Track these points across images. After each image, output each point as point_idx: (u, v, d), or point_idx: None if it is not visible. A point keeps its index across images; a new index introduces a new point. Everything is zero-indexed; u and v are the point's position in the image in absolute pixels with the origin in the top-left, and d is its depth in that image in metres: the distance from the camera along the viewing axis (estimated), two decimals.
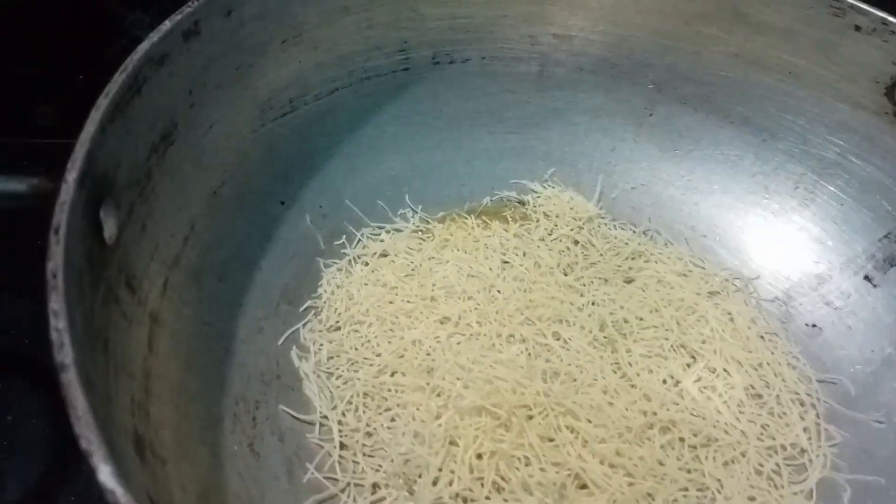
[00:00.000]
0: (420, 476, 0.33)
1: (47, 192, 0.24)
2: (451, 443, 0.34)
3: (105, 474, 0.18)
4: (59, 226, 0.23)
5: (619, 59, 0.49)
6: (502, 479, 0.33)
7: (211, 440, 0.32)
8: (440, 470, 0.33)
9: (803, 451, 0.37)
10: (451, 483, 0.32)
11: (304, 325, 0.40)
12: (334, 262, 0.43)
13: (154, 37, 0.30)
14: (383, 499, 0.33)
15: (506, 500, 0.32)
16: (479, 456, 0.34)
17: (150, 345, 0.31)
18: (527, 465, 0.33)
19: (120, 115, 0.29)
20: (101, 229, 0.27)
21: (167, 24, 0.31)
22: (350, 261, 0.43)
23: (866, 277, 0.43)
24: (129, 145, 0.30)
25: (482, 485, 0.33)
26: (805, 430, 0.38)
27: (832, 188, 0.45)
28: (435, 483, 0.32)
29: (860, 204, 0.44)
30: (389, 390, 0.37)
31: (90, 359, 0.23)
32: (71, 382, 0.19)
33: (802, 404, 0.39)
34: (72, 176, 0.24)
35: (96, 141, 0.26)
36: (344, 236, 0.44)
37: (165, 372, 0.31)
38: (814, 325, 0.43)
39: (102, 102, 0.27)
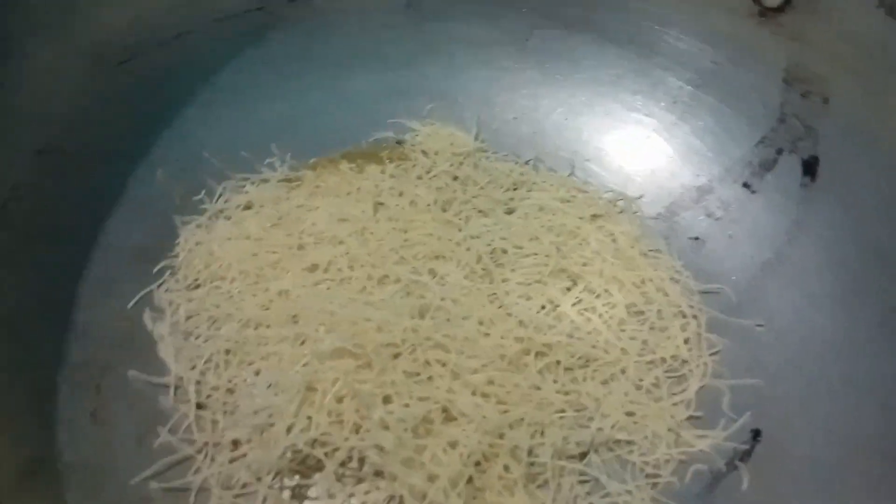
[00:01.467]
0: (274, 425, 0.31)
1: None
2: (311, 389, 0.32)
3: None
4: None
5: None
6: (363, 419, 0.31)
7: (41, 410, 0.30)
8: (295, 417, 0.31)
9: (684, 362, 0.37)
10: (307, 429, 0.31)
11: (159, 285, 0.37)
12: (193, 219, 0.40)
13: None
14: (243, 454, 0.32)
15: (362, 440, 0.30)
16: (340, 399, 0.32)
17: None
18: (388, 402, 0.32)
19: None
20: None
21: None
22: (211, 216, 0.40)
23: (745, 185, 0.42)
24: None
25: (342, 428, 0.31)
26: (686, 341, 0.37)
27: (710, 98, 0.44)
28: (289, 430, 0.31)
29: (736, 111, 0.43)
30: (253, 344, 0.35)
31: None
32: None
33: (684, 316, 0.38)
34: None
35: None
36: (203, 191, 0.41)
37: None
38: (696, 238, 0.42)
39: None
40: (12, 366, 0.30)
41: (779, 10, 0.40)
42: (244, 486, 0.31)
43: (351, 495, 0.31)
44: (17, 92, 0.34)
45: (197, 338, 0.36)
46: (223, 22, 0.43)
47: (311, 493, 0.31)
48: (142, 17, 0.40)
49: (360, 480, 0.31)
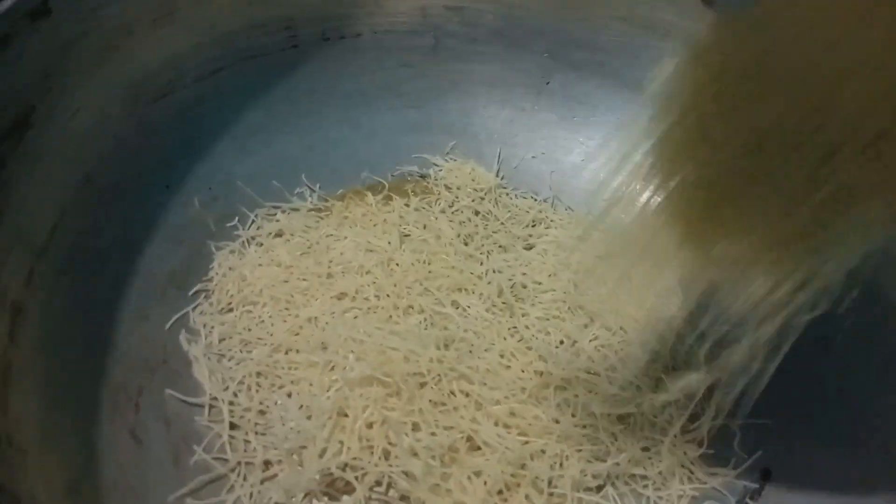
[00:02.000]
0: (306, 448, 0.32)
1: None
2: (342, 414, 0.34)
3: None
4: None
5: (511, 28, 0.49)
6: (392, 445, 0.33)
7: (84, 430, 0.31)
8: (328, 441, 0.32)
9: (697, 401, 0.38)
10: (338, 453, 0.32)
11: (194, 308, 0.39)
12: (226, 245, 0.42)
13: None
14: (274, 475, 0.33)
15: (391, 466, 0.32)
16: (370, 425, 0.33)
17: (12, 336, 0.30)
18: (416, 430, 0.33)
19: None
20: None
21: (8, 2, 0.30)
22: (243, 242, 0.42)
23: None
24: None
25: (371, 453, 0.32)
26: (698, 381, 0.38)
27: None
28: (322, 454, 0.32)
29: None
30: (283, 368, 0.37)
31: None
32: None
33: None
34: None
35: None
36: (237, 218, 0.43)
37: (30, 364, 0.30)
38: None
39: None
40: (56, 387, 0.31)
41: None
42: None
43: None
44: (65, 124, 0.35)
45: (230, 360, 0.37)
46: (257, 59, 0.45)
47: None
48: (179, 55, 0.42)
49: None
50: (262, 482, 0.33)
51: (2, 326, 0.29)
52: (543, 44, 0.49)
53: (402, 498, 0.32)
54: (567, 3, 0.47)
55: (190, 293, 0.39)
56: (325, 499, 0.33)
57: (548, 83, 0.50)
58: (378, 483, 0.32)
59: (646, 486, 0.34)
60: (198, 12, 0.41)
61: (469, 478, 0.31)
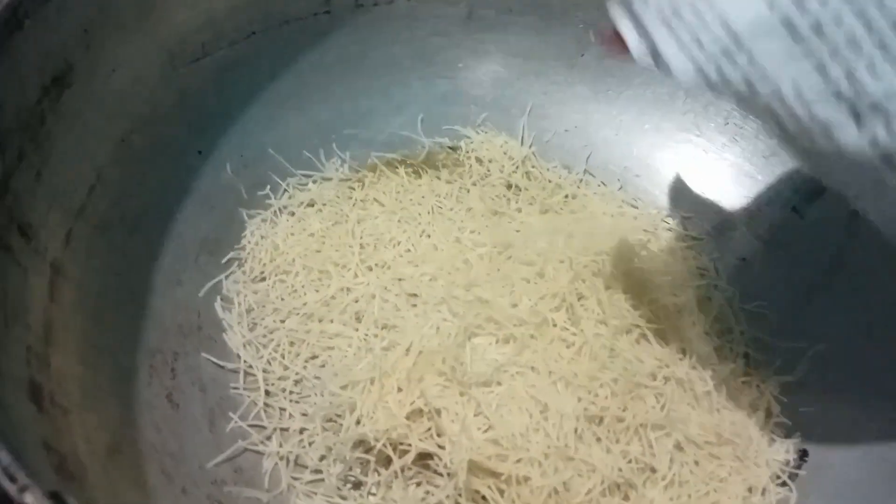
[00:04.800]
0: (343, 416, 0.32)
1: None
2: (377, 384, 0.33)
3: None
4: None
5: None
6: (426, 416, 0.32)
7: (123, 392, 0.31)
8: (363, 410, 0.32)
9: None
10: (375, 421, 0.32)
11: (227, 276, 0.38)
12: (258, 213, 0.41)
13: None
14: (311, 442, 0.33)
15: (429, 439, 0.31)
16: (408, 398, 0.33)
17: (52, 295, 0.30)
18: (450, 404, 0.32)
19: None
20: None
21: None
22: (275, 211, 0.42)
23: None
24: (12, 86, 0.28)
25: (409, 426, 0.32)
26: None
27: (761, 122, 0.45)
28: (358, 423, 0.32)
29: None
30: (317, 338, 0.36)
31: None
32: None
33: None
34: None
35: None
36: (268, 186, 0.42)
37: (70, 324, 0.30)
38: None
39: None
40: (97, 350, 0.31)
41: None
42: (314, 471, 0.32)
43: (409, 489, 0.32)
44: (102, 83, 0.35)
45: (263, 328, 0.37)
46: (290, 24, 0.44)
47: (371, 484, 0.32)
48: (215, 18, 0.41)
49: (418, 476, 0.32)
50: (299, 449, 0.32)
51: (43, 285, 0.29)
52: (580, 15, 0.48)
53: (436, 471, 0.32)
54: None
55: (223, 261, 0.39)
56: (359, 468, 0.33)
57: (582, 55, 0.49)
58: (419, 456, 0.32)
59: None
60: None
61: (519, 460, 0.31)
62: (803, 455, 0.35)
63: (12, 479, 0.16)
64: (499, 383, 0.32)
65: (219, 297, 0.37)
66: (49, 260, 0.30)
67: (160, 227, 0.37)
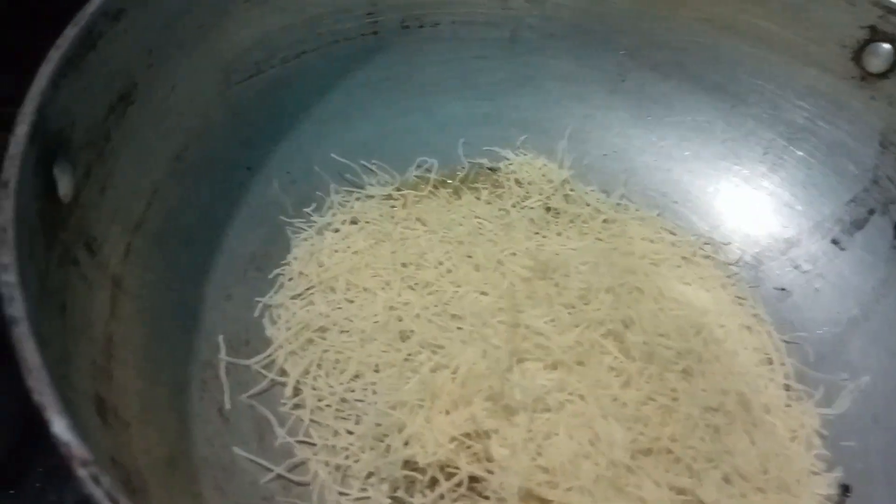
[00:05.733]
0: (391, 437, 0.32)
1: None
2: (423, 404, 0.34)
3: (59, 427, 0.17)
4: (9, 180, 0.22)
5: (590, 24, 0.49)
6: (474, 439, 0.32)
7: (178, 406, 0.31)
8: (411, 432, 0.32)
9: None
10: (423, 442, 0.32)
11: (275, 292, 0.39)
12: (303, 229, 0.42)
13: None
14: (357, 461, 0.33)
15: (477, 464, 0.32)
16: (447, 412, 0.33)
17: (113, 309, 0.30)
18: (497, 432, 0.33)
19: (73, 70, 0.28)
20: (55, 188, 0.26)
21: None
22: (320, 228, 0.42)
23: (834, 241, 0.43)
24: (84, 103, 0.29)
25: (456, 451, 0.32)
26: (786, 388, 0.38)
27: (801, 153, 0.46)
28: (407, 443, 0.32)
29: (828, 168, 0.44)
30: (362, 356, 0.37)
31: (45, 318, 0.22)
32: (23, 336, 0.18)
33: (771, 363, 0.39)
34: (21, 130, 0.23)
35: (47, 96, 0.25)
36: (314, 203, 0.43)
37: (129, 337, 0.30)
38: (783, 289, 0.43)
39: (53, 55, 0.26)
40: (153, 363, 0.31)
41: (881, 76, 0.42)
42: (361, 489, 0.32)
43: None
44: (161, 100, 0.35)
45: (309, 343, 0.37)
46: (339, 44, 0.45)
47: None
48: (269, 37, 0.42)
49: (463, 499, 0.33)
50: (346, 467, 0.33)
51: (105, 299, 0.29)
52: (623, 41, 0.48)
53: (482, 495, 0.32)
54: (650, 2, 0.47)
55: (269, 276, 0.39)
56: (405, 489, 0.33)
57: (623, 81, 0.49)
58: (461, 481, 0.32)
59: None
60: None
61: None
62: (846, 490, 0.35)
63: (114, 501, 0.17)
64: (547, 409, 0.32)
65: (266, 313, 0.38)
66: (110, 274, 0.31)
67: (211, 241, 0.38)
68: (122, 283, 0.31)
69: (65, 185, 0.26)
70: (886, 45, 0.41)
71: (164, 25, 0.35)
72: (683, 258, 0.44)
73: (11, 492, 0.37)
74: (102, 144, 0.31)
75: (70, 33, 0.27)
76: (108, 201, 0.31)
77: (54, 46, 0.26)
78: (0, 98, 0.51)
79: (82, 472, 0.17)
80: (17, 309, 0.19)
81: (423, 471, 0.32)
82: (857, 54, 0.42)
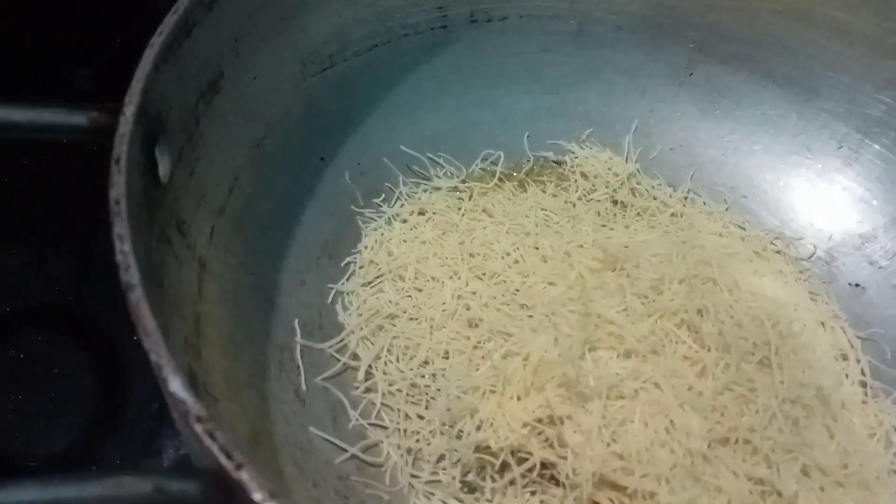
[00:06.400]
0: (463, 422, 0.33)
1: (105, 126, 0.24)
2: (495, 390, 0.34)
3: (175, 385, 0.18)
4: (120, 156, 0.23)
5: (659, 17, 0.48)
6: (548, 424, 0.33)
7: (258, 385, 0.32)
8: (484, 417, 0.33)
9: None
10: (496, 427, 0.32)
11: (347, 279, 0.40)
12: (373, 219, 0.42)
13: None
14: (428, 444, 0.34)
15: (551, 450, 0.32)
16: (519, 398, 0.33)
17: (200, 290, 0.31)
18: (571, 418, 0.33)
19: (172, 55, 0.29)
20: (156, 167, 0.27)
21: None
22: (389, 218, 0.43)
23: None
24: (179, 88, 0.30)
25: (526, 426, 0.32)
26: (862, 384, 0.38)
27: (877, 147, 0.44)
28: (479, 428, 0.32)
29: None
30: (431, 342, 0.37)
31: (152, 289, 0.23)
32: (139, 300, 0.19)
33: (846, 359, 0.39)
34: (130, 110, 0.24)
35: (151, 79, 0.26)
36: (383, 194, 0.44)
37: (214, 317, 0.31)
38: (857, 285, 0.42)
39: (157, 41, 0.27)
40: (235, 343, 0.32)
41: None
42: (432, 472, 0.33)
43: (524, 497, 0.32)
44: (244, 89, 0.36)
45: (380, 329, 0.38)
46: (409, 37, 0.46)
47: (488, 489, 0.33)
48: (343, 30, 0.42)
49: (534, 485, 0.33)
50: (418, 450, 0.33)
51: (193, 279, 0.31)
52: (692, 34, 0.48)
53: (553, 481, 0.32)
54: None
55: (341, 264, 0.40)
56: (475, 473, 0.33)
57: (691, 74, 0.49)
58: (533, 466, 0.32)
59: None
60: None
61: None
62: None
63: (229, 456, 0.17)
64: (621, 397, 0.32)
65: (339, 299, 0.39)
66: (198, 256, 0.32)
67: (286, 228, 0.39)
68: (207, 265, 0.32)
69: (164, 166, 0.27)
70: None
71: (249, 16, 0.36)
72: (755, 252, 0.43)
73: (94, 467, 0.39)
74: (193, 129, 0.32)
75: (170, 20, 0.28)
76: (195, 185, 0.32)
77: (156, 32, 0.27)
78: (81, 92, 0.54)
79: (198, 428, 0.18)
80: (132, 276, 0.20)
81: (495, 455, 0.32)
82: None
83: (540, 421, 0.32)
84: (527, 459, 0.32)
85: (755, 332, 0.34)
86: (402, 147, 0.45)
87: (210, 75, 0.33)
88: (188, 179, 0.32)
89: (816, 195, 0.46)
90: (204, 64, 0.32)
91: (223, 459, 0.17)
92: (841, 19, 0.44)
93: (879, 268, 0.42)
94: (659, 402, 0.31)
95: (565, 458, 0.31)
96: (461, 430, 0.33)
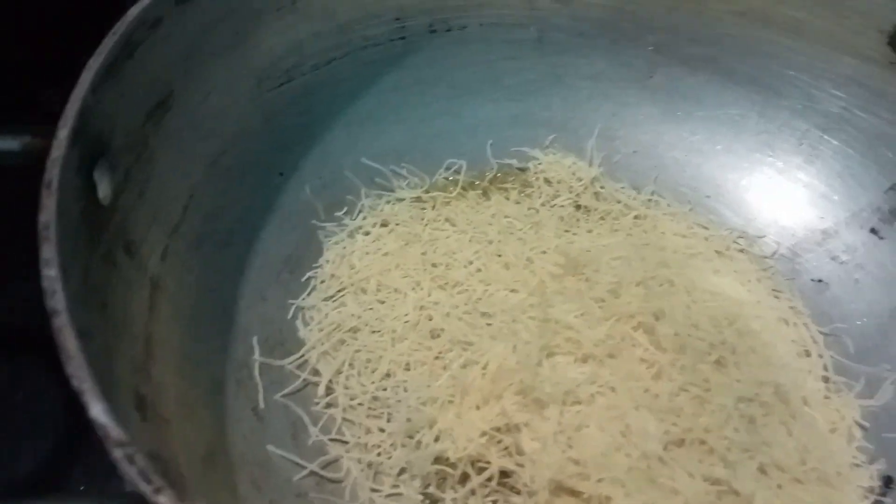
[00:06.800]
0: (422, 433, 0.33)
1: (38, 149, 0.24)
2: (453, 400, 0.34)
3: (96, 410, 0.18)
4: (51, 181, 0.23)
5: (619, 21, 0.48)
6: (503, 432, 0.32)
7: (215, 404, 0.32)
8: (442, 428, 0.33)
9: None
10: (454, 437, 0.32)
11: (308, 294, 0.40)
12: (335, 233, 0.42)
13: (146, 0, 0.30)
14: (389, 457, 0.34)
15: (508, 458, 0.32)
16: (478, 407, 0.33)
17: (152, 309, 0.31)
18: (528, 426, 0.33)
19: (113, 77, 0.29)
20: (95, 189, 0.27)
21: None
22: (351, 231, 0.43)
23: (872, 230, 0.42)
24: (123, 109, 0.30)
25: (484, 436, 0.32)
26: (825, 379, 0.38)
27: (837, 143, 0.45)
28: (437, 439, 0.32)
29: (865, 157, 0.43)
30: (393, 354, 0.37)
31: (86, 313, 0.23)
32: (62, 326, 0.19)
33: (808, 355, 0.39)
34: (63, 133, 0.24)
35: (88, 101, 0.26)
36: (345, 207, 0.44)
37: (168, 336, 0.31)
38: (820, 281, 0.42)
39: (93, 63, 0.27)
40: (191, 362, 0.32)
41: None
42: (393, 486, 0.32)
43: None
44: (197, 106, 0.36)
45: (341, 343, 0.38)
46: (368, 49, 0.46)
47: (449, 500, 0.33)
48: (299, 44, 0.43)
49: (495, 493, 0.33)
50: (378, 464, 0.33)
51: (144, 299, 0.30)
52: (651, 37, 0.48)
53: (513, 489, 0.32)
54: None
55: (302, 279, 0.40)
56: (436, 485, 0.33)
57: (652, 77, 0.49)
58: (492, 476, 0.32)
59: None
60: (317, 1, 0.42)
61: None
62: (888, 482, 0.34)
63: (148, 480, 0.17)
64: (577, 402, 0.32)
65: (300, 314, 0.38)
66: (149, 275, 0.32)
67: (246, 244, 0.39)
68: (161, 284, 0.32)
69: (104, 188, 0.27)
70: None
71: (200, 34, 0.36)
72: (717, 252, 0.43)
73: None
74: (141, 149, 0.32)
75: (109, 42, 0.28)
76: (146, 205, 0.32)
77: (94, 54, 0.27)
78: (49, 115, 0.54)
79: (118, 453, 0.18)
80: (57, 301, 0.20)
81: (454, 466, 0.32)
82: (893, 38, 0.41)
83: (498, 429, 0.32)
84: (486, 468, 0.32)
85: (712, 331, 0.34)
86: (364, 159, 0.45)
87: (158, 94, 0.33)
88: (137, 200, 0.31)
89: (779, 193, 0.46)
90: (151, 83, 0.32)
91: (142, 484, 0.17)
92: (799, 18, 0.44)
93: (841, 263, 0.43)
94: (615, 405, 0.31)
95: (523, 465, 0.31)
96: (420, 442, 0.33)
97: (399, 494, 0.33)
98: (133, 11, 0.30)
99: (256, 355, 0.36)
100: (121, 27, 0.29)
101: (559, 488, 0.30)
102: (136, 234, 0.31)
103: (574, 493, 0.30)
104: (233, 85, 0.39)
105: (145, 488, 0.17)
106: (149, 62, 0.31)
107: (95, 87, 0.27)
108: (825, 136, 0.45)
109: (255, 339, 0.36)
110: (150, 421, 0.27)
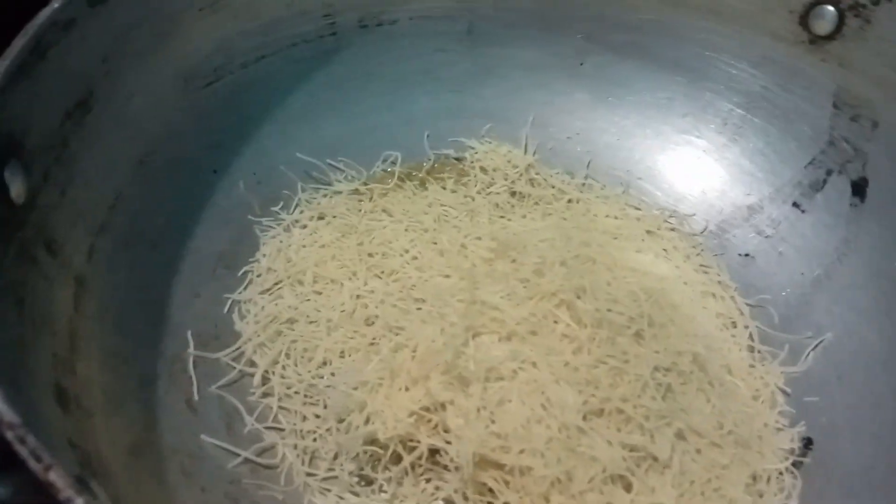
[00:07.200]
0: (352, 416, 0.33)
1: None
2: (383, 383, 0.34)
3: None
4: None
5: (546, 11, 0.50)
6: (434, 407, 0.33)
7: (144, 397, 0.33)
8: (373, 410, 0.33)
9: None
10: (384, 419, 0.33)
11: (244, 288, 0.40)
12: (271, 227, 0.43)
13: (56, 2, 0.31)
14: (325, 441, 0.34)
15: (437, 437, 0.32)
16: (406, 388, 0.34)
17: (76, 306, 0.31)
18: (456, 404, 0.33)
19: (24, 78, 0.29)
20: (6, 190, 0.27)
21: None
22: (287, 225, 0.43)
23: (795, 204, 0.44)
24: (37, 109, 0.30)
25: (412, 416, 0.33)
26: (750, 349, 0.39)
27: (758, 121, 0.46)
28: (367, 421, 0.33)
29: (786, 134, 0.45)
30: (328, 343, 0.38)
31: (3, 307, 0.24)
32: None
33: (735, 326, 0.40)
34: None
35: None
36: (281, 202, 0.44)
37: (94, 332, 0.32)
38: (747, 255, 0.44)
39: (0, 64, 0.27)
40: (119, 357, 0.33)
41: (828, 38, 0.42)
42: (328, 470, 0.33)
43: (419, 485, 0.33)
44: (121, 107, 0.37)
45: (277, 334, 0.38)
46: (298, 46, 0.46)
47: (382, 480, 0.33)
48: (226, 43, 0.43)
49: (428, 472, 0.33)
50: (313, 450, 0.34)
51: (68, 296, 0.31)
52: (579, 26, 0.49)
53: (445, 466, 0.33)
54: None
55: (239, 274, 0.41)
56: (370, 466, 0.34)
57: (582, 65, 0.50)
58: (421, 455, 0.33)
59: None
60: (241, 0, 0.42)
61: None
62: (808, 444, 0.35)
63: (38, 458, 0.18)
64: (500, 378, 0.33)
65: (236, 308, 0.39)
66: (73, 273, 0.32)
67: (179, 242, 0.39)
68: (86, 283, 0.33)
69: (17, 188, 0.28)
70: (830, 7, 0.42)
71: (119, 35, 0.36)
72: (648, 232, 0.45)
73: None
74: (60, 150, 0.32)
75: (18, 43, 0.28)
76: (69, 204, 0.33)
77: (2, 55, 0.28)
78: None
79: (9, 434, 0.18)
80: None
81: (385, 447, 0.33)
82: (804, 18, 0.43)
83: (427, 409, 0.33)
84: (416, 447, 0.33)
85: (631, 306, 0.35)
86: (299, 154, 0.46)
87: (77, 95, 0.33)
88: (59, 199, 0.32)
89: (707, 172, 0.47)
90: (67, 83, 0.32)
91: (32, 462, 0.18)
92: (717, 1, 0.46)
93: (767, 237, 0.44)
94: (536, 380, 0.32)
95: (450, 442, 0.32)
96: (350, 424, 0.33)
97: (334, 478, 0.33)
98: (44, 13, 0.30)
99: (191, 349, 0.36)
100: (31, 28, 0.29)
101: (483, 461, 0.31)
102: (59, 233, 0.31)
103: (498, 465, 0.31)
104: (158, 85, 0.39)
105: (35, 466, 0.18)
106: (64, 63, 0.32)
107: (3, 88, 0.27)
108: (747, 115, 0.46)
109: (189, 334, 0.37)
110: (72, 413, 0.27)
